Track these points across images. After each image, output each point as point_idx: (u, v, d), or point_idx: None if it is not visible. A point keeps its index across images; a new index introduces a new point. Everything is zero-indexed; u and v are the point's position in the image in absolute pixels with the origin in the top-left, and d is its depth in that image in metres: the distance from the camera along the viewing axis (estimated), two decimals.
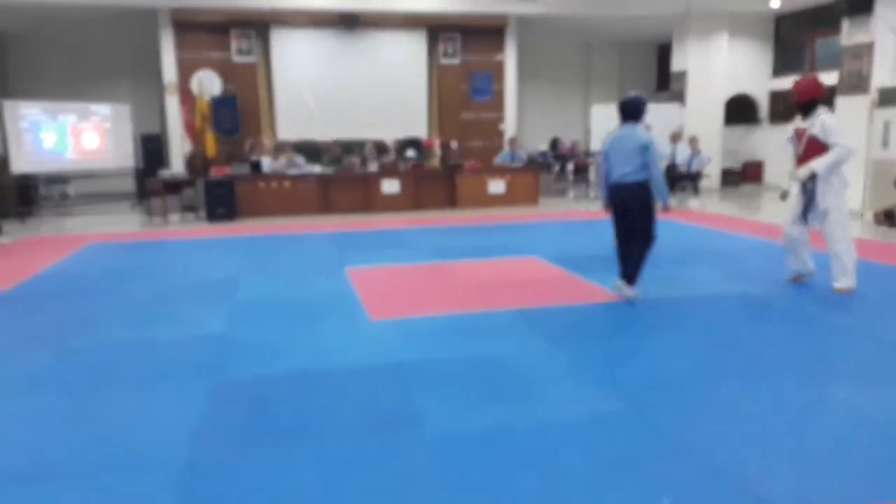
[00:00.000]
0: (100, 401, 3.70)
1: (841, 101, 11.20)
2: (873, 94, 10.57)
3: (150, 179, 11.51)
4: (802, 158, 5.65)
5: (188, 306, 5.62)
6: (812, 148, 5.58)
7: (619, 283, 5.55)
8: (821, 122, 5.50)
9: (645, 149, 5.21)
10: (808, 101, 5.57)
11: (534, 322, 5.01)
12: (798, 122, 5.73)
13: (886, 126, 10.31)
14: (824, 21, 13.32)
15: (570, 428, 3.25)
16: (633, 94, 5.56)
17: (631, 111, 5.42)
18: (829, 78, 12.27)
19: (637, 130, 5.36)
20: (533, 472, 2.85)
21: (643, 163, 5.22)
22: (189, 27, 13.65)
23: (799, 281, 6.07)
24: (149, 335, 4.85)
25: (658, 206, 5.45)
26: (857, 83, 10.92)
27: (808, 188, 5.70)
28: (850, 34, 11.06)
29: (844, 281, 5.71)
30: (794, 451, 3.01)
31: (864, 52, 10.81)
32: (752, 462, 2.91)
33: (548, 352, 4.38)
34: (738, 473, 2.82)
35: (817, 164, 5.52)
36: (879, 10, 10.52)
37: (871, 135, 10.56)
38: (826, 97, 5.71)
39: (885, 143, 10.32)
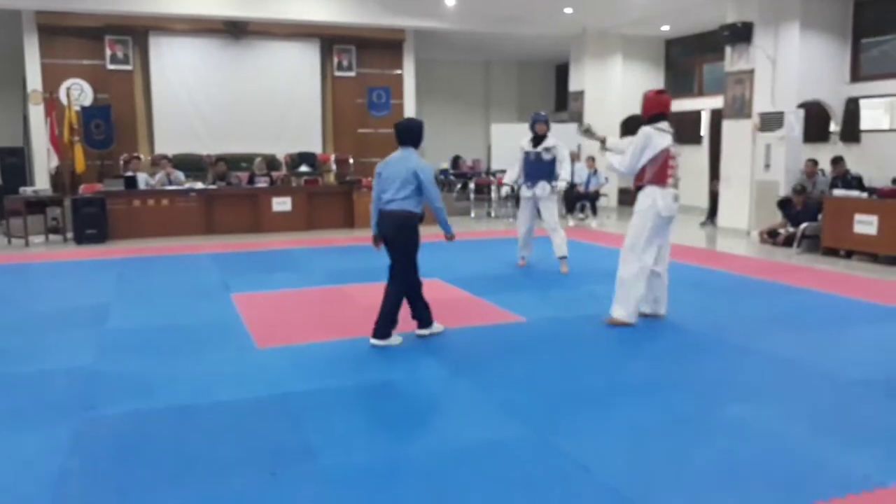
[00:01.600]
0: None
1: (726, 125, 11.65)
2: (755, 119, 11.02)
3: (9, 197, 10.59)
4: None
5: (52, 336, 5.24)
6: None
7: (374, 341, 4.92)
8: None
9: (416, 175, 4.87)
10: (652, 116, 5.52)
11: (430, 346, 4.92)
12: None
13: (768, 149, 10.76)
14: (710, 47, 13.86)
15: (468, 454, 3.19)
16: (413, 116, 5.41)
17: (406, 135, 5.03)
18: (715, 102, 12.82)
19: (412, 155, 4.99)
20: (430, 502, 2.77)
21: (414, 190, 4.88)
22: (58, 32, 12.79)
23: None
24: (5, 369, 4.49)
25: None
26: (740, 108, 11.37)
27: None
28: (732, 61, 11.54)
29: (616, 310, 5.35)
30: (690, 468, 3.05)
31: (746, 78, 11.29)
32: (649, 479, 2.94)
33: (444, 376, 4.32)
34: (635, 492, 2.83)
35: (613, 154, 5.81)
36: (758, 39, 11.01)
37: (754, 157, 11.00)
38: (667, 112, 5.59)
39: (768, 166, 10.76)
